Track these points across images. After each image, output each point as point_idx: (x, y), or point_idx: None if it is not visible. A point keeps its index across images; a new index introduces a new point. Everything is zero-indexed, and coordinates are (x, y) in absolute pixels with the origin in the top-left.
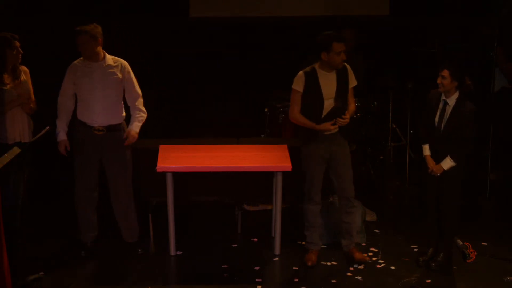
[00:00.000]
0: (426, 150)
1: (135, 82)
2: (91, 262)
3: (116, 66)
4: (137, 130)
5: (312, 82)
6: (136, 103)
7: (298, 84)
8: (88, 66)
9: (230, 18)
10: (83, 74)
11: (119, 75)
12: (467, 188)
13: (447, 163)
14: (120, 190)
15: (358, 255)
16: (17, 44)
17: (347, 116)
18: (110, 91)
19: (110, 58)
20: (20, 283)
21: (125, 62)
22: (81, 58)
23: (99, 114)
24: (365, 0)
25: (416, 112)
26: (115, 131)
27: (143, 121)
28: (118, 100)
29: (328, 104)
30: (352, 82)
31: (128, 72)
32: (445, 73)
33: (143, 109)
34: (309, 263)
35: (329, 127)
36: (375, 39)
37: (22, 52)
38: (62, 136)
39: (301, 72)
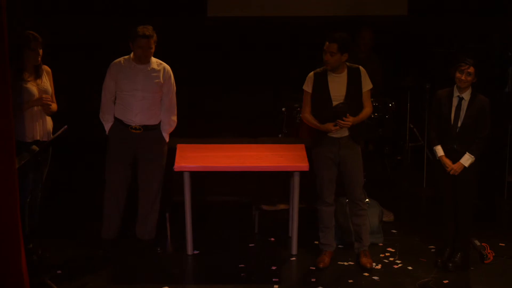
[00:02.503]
0: (440, 151)
1: (173, 89)
2: (109, 261)
3: (159, 70)
4: (167, 140)
5: (321, 83)
6: (169, 113)
7: (307, 84)
8: (133, 68)
9: (248, 18)
10: (126, 75)
11: (161, 79)
12: (484, 188)
13: (467, 159)
14: (150, 188)
15: (364, 260)
16: (38, 45)
17: (349, 118)
18: (151, 94)
19: (154, 62)
20: (37, 282)
21: (168, 67)
22: (125, 57)
23: (137, 115)
24: (384, 0)
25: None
26: (152, 130)
27: (171, 131)
28: (157, 102)
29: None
30: (366, 85)
31: (169, 77)
32: (471, 69)
33: (174, 118)
34: (321, 265)
35: (331, 128)
36: (394, 39)
37: (41, 54)
38: (109, 126)
39: (311, 73)
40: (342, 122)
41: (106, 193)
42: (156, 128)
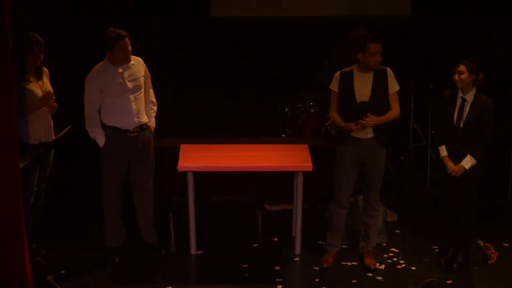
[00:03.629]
0: (443, 151)
1: (149, 76)
2: (112, 262)
3: (137, 65)
4: (154, 125)
5: (347, 83)
6: (150, 97)
7: (334, 83)
8: (115, 71)
9: (252, 18)
10: (112, 81)
11: (143, 72)
12: (488, 189)
13: (468, 161)
14: (145, 190)
15: (367, 260)
16: (40, 49)
17: (371, 118)
18: (140, 90)
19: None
20: (41, 282)
21: (140, 59)
22: (100, 64)
23: (135, 116)
24: (387, 0)
25: (436, 113)
26: (145, 129)
27: (155, 113)
28: (144, 97)
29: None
30: (393, 86)
31: (145, 67)
32: (462, 68)
33: (154, 100)
34: (325, 265)
35: (352, 127)
36: (397, 39)
37: (41, 59)
38: (103, 139)
39: (338, 72)
40: (363, 121)
41: (106, 202)
42: (148, 127)
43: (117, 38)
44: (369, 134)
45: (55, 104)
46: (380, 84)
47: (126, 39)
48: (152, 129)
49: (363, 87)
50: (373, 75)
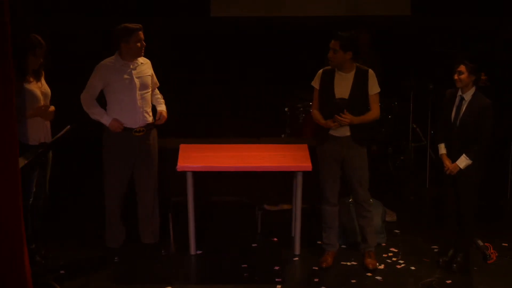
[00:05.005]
0: (442, 148)
1: (157, 83)
2: (112, 262)
3: (146, 64)
4: (165, 110)
5: (328, 81)
6: (156, 90)
7: (315, 81)
8: (125, 67)
9: (252, 18)
10: (120, 76)
11: (150, 72)
12: (487, 188)
13: (463, 161)
14: (148, 190)
15: (367, 260)
16: (42, 53)
17: (347, 115)
18: (147, 89)
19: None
20: (40, 282)
21: (149, 61)
22: (111, 59)
23: (141, 114)
24: (387, 0)
25: (437, 113)
26: (151, 129)
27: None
28: (150, 97)
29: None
30: (374, 88)
31: (152, 68)
32: (462, 68)
33: (159, 93)
34: (324, 265)
35: (330, 124)
36: (397, 39)
37: (42, 62)
38: (108, 118)
39: (320, 70)
40: (339, 118)
41: (107, 202)
42: (152, 126)
43: (135, 29)
44: (346, 132)
45: (53, 110)
46: (360, 84)
47: (142, 31)
48: (164, 114)
49: (342, 86)
50: (354, 75)
